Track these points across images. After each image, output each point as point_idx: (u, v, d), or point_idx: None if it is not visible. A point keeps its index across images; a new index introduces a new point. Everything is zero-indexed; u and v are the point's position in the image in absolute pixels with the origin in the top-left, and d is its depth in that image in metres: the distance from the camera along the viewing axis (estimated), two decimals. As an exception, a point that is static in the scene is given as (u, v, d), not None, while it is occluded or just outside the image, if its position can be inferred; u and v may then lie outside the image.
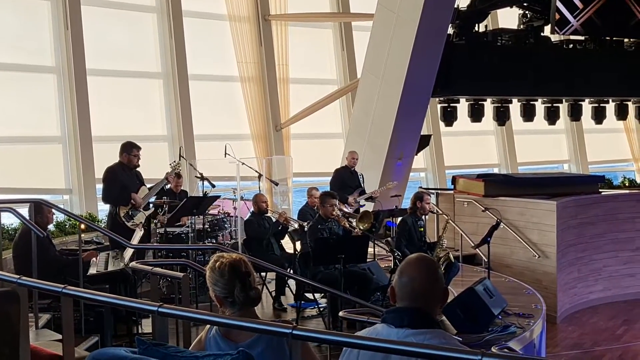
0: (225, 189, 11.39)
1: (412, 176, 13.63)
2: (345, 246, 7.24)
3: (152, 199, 9.12)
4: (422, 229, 8.64)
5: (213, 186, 9.84)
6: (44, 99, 12.15)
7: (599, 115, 14.28)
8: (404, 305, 2.69)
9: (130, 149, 8.23)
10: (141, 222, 8.15)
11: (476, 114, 12.95)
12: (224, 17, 13.99)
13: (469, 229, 10.73)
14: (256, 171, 10.48)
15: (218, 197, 10.05)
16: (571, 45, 13.37)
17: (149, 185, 8.54)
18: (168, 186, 9.76)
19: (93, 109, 12.09)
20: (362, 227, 8.78)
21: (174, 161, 9.37)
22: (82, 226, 8.05)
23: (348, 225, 8.10)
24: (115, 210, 8.15)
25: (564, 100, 13.99)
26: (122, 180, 8.15)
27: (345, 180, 10.71)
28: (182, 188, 10.50)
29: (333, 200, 7.95)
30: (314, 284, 6.84)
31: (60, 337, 4.77)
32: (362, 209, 10.29)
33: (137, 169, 8.35)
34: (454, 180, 11.91)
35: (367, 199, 10.84)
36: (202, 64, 13.92)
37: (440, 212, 10.80)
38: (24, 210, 6.49)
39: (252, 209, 9.11)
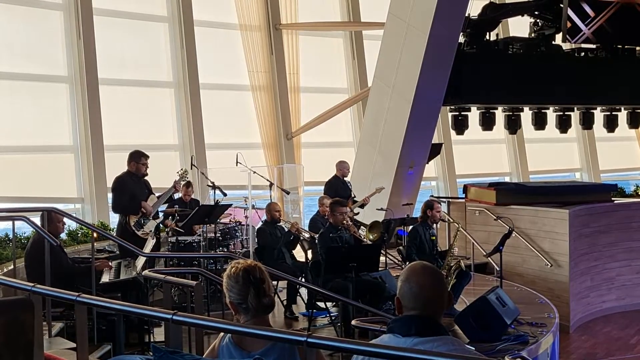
0: (237, 197, 11.40)
1: (423, 185, 13.59)
2: (357, 255, 7.22)
3: (162, 207, 9.14)
4: (434, 238, 8.62)
5: (224, 195, 9.86)
6: (56, 108, 12.20)
7: (611, 124, 14.20)
8: (410, 314, 2.68)
9: (138, 158, 8.27)
10: (151, 231, 8.17)
11: (487, 123, 12.89)
12: (235, 26, 14.03)
13: (480, 238, 10.70)
14: (267, 180, 10.48)
15: (230, 205, 10.07)
16: (583, 54, 13.31)
17: (157, 194, 8.57)
18: (178, 195, 9.78)
19: (105, 118, 12.14)
20: (371, 237, 8.76)
21: (182, 169, 9.39)
22: (95, 235, 8.09)
23: (358, 235, 8.09)
24: (125, 219, 8.19)
25: (575, 108, 13.92)
26: (131, 189, 8.19)
27: (338, 191, 10.69)
28: (193, 197, 10.51)
29: (343, 208, 7.93)
30: (326, 292, 6.82)
31: (73, 345, 4.79)
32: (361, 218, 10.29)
33: (146, 177, 8.39)
34: (466, 188, 11.88)
35: (360, 207, 10.82)
36: (213, 73, 13.96)
37: (451, 220, 10.76)
38: (36, 219, 6.52)
39: (264, 218, 9.11)
